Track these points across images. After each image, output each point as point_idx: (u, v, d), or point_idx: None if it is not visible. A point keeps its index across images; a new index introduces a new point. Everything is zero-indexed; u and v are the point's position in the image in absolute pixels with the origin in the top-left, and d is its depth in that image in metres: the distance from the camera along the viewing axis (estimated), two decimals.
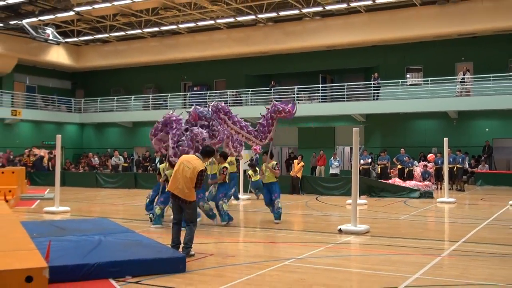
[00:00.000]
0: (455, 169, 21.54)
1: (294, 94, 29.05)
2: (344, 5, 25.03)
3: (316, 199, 18.28)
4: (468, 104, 24.82)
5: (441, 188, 20.64)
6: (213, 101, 29.71)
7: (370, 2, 24.50)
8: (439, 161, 21.51)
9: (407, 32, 26.07)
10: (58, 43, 30.97)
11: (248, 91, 30.24)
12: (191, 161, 7.96)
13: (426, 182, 21.14)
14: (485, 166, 23.80)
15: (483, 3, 24.09)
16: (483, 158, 24.19)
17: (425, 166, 22.87)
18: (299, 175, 20.23)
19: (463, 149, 23.50)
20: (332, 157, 24.57)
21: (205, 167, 8.12)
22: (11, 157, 27.19)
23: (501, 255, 8.36)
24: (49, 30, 28.35)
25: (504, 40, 25.56)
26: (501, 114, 24.93)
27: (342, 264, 7.60)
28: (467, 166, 23.12)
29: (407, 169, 22.78)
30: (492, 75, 24.40)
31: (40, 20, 27.17)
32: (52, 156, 26.64)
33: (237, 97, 30.76)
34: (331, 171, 24.20)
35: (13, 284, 4.73)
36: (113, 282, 6.26)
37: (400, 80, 27.21)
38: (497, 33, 25.28)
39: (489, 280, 6.63)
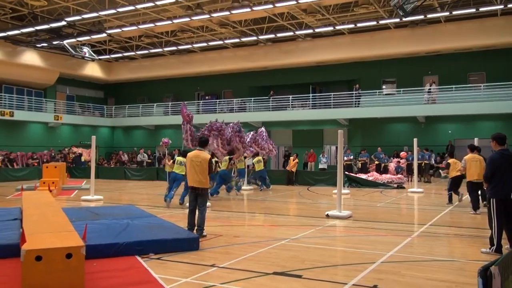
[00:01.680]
0: (423, 165, 21.61)
1: (289, 102, 29.13)
2: (331, 28, 25.08)
3: (308, 189, 18.31)
4: (434, 110, 24.88)
5: (411, 180, 20.65)
6: (221, 109, 30.00)
7: (352, 26, 24.55)
8: (410, 157, 21.57)
9: (383, 51, 26.14)
10: (93, 60, 31.05)
11: (251, 99, 30.29)
12: (198, 156, 8.03)
13: (399, 175, 21.15)
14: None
15: (446, 27, 24.20)
16: (446, 155, 24.15)
17: (398, 162, 22.92)
18: (294, 169, 20.28)
19: (429, 147, 23.58)
20: (321, 155, 24.60)
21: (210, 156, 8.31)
22: (53, 154, 27.30)
23: (461, 236, 8.40)
24: (86, 49, 28.42)
25: (464, 57, 25.62)
26: (461, 119, 24.99)
27: (329, 243, 7.64)
28: (433, 162, 23.10)
29: (383, 164, 22.84)
30: (454, 86, 24.48)
31: (78, 40, 27.21)
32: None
33: (241, 104, 30.81)
34: (320, 166, 24.25)
35: (56, 260, 4.73)
36: (138, 258, 6.32)
37: (377, 90, 27.26)
38: (458, 51, 25.36)
39: (450, 256, 6.68)
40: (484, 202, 11.23)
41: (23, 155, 26.29)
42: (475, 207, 11.15)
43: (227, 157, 15.23)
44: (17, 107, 29.05)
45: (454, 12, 21.97)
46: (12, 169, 23.68)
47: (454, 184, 12.98)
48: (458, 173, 12.69)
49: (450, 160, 13.51)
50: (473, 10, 21.41)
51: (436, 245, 7.46)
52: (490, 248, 6.75)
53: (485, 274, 2.91)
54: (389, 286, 5.15)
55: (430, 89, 25.39)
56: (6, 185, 19.85)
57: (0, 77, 28.61)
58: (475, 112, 23.51)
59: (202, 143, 8.45)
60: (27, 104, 29.87)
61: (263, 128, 19.32)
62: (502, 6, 20.91)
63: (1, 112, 27.24)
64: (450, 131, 25.63)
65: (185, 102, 32.21)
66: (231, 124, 16.12)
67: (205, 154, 8.13)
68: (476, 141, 16.39)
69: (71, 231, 5.78)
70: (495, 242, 6.67)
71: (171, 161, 13.58)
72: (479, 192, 11.36)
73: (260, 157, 17.88)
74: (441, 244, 7.59)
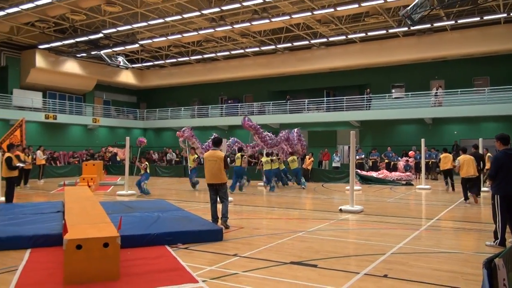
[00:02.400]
0: (430, 163, 21.25)
1: (304, 105, 29.01)
2: (343, 37, 24.90)
3: (322, 185, 18.20)
4: (440, 112, 24.46)
5: (419, 178, 20.34)
6: (243, 112, 30.01)
7: (363, 34, 24.32)
8: (418, 156, 21.24)
9: (392, 57, 25.84)
10: (127, 68, 31.40)
11: (270, 103, 30.26)
12: (213, 155, 8.09)
13: (408, 173, 20.86)
14: (454, 161, 23.35)
15: (452, 34, 23.78)
16: (452, 154, 23.74)
17: (407, 160, 22.58)
18: (309, 167, 20.15)
19: (436, 147, 23.18)
20: (334, 154, 24.44)
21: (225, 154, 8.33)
22: (92, 153, 27.71)
23: (466, 229, 8.25)
24: (120, 58, 28.76)
25: (468, 63, 25.14)
26: (466, 120, 24.53)
27: (342, 236, 7.58)
28: (437, 161, 22.70)
29: (393, 162, 22.56)
30: (459, 90, 24.06)
31: (113, 50, 27.57)
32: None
33: (261, 108, 30.80)
34: (334, 164, 24.08)
35: (95, 249, 4.80)
36: (168, 248, 6.36)
37: (387, 94, 26.95)
38: (463, 57, 24.90)
39: (456, 249, 6.55)
40: (473, 194, 12.18)
41: (65, 154, 26.76)
42: (466, 197, 12.26)
43: (239, 154, 15.51)
44: (60, 111, 29.60)
45: (459, 21, 21.58)
46: (55, 167, 24.14)
47: (445, 175, 15.56)
48: (450, 166, 14.76)
49: (442, 155, 15.60)
50: (478, 18, 21.00)
51: (443, 238, 7.34)
52: (494, 242, 6.63)
53: (489, 265, 2.85)
54: (398, 276, 5.08)
55: (436, 92, 25.00)
56: (50, 181, 20.24)
57: (45, 84, 29.19)
58: (480, 114, 23.08)
59: (216, 143, 8.46)
60: (68, 108, 30.40)
61: (296, 129, 19.62)
62: (505, 15, 20.48)
63: (46, 115, 27.81)
64: (455, 132, 25.18)
65: (210, 106, 32.78)
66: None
67: (220, 153, 8.17)
68: (480, 141, 16.13)
69: (107, 222, 5.85)
70: (499, 236, 6.56)
71: (145, 162, 14.25)
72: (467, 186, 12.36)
73: (294, 157, 17.66)
74: (448, 237, 7.45)
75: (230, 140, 18.79)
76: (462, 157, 12.20)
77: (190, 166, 16.51)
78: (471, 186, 12.20)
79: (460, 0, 16.98)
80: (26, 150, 18.22)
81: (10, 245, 6.31)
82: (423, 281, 4.90)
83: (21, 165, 11.57)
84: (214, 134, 18.45)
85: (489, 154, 15.24)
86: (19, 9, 20.22)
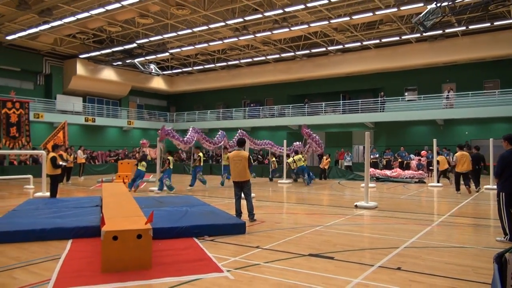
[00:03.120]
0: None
1: (322, 108, 28.82)
2: (358, 44, 24.61)
3: (339, 183, 18.03)
4: (452, 114, 23.93)
5: (431, 176, 19.92)
6: (264, 114, 29.86)
7: (378, 41, 23.99)
8: (430, 156, 20.78)
9: (405, 62, 25.42)
10: (158, 75, 31.82)
11: (289, 106, 30.18)
12: (238, 155, 8.12)
13: (420, 171, 20.44)
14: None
15: (463, 40, 23.23)
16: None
17: (419, 159, 22.14)
18: (326, 167, 19.91)
19: (448, 147, 22.67)
20: (346, 154, 24.15)
21: (249, 155, 8.28)
22: (126, 153, 28.14)
23: (477, 225, 8.03)
24: (152, 66, 29.16)
25: (479, 66, 24.49)
26: (477, 121, 23.91)
27: (358, 230, 7.49)
28: (451, 159, 22.17)
29: (406, 162, 22.15)
30: (470, 92, 23.49)
31: (146, 59, 27.97)
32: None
33: (281, 110, 30.74)
34: (345, 164, 23.78)
35: (129, 240, 4.85)
36: (195, 239, 6.40)
37: (400, 97, 26.54)
38: (473, 61, 24.29)
39: (467, 243, 6.38)
40: (466, 186, 13.14)
41: (102, 154, 27.23)
42: (457, 189, 13.43)
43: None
44: (98, 114, 30.21)
45: (470, 27, 21.05)
46: (94, 165, 24.62)
47: (442, 174, 16.76)
48: (446, 166, 16.61)
49: (439, 158, 16.77)
50: (488, 24, 20.47)
51: (454, 233, 7.16)
52: (504, 237, 6.45)
53: (500, 260, 2.77)
54: (411, 268, 4.99)
55: (448, 95, 24.46)
56: (89, 178, 20.66)
57: (84, 90, 29.85)
58: (490, 115, 22.48)
59: (241, 144, 8.49)
60: (105, 112, 30.99)
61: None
62: None
63: (86, 118, 28.43)
64: (466, 132, 24.56)
65: (234, 109, 32.89)
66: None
67: (244, 153, 8.21)
68: (491, 142, 15.73)
69: (141, 216, 5.92)
70: (507, 232, 6.40)
71: (168, 157, 14.31)
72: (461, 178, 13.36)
73: (300, 155, 17.68)
74: (459, 232, 7.27)
75: (219, 133, 18.74)
76: (459, 154, 13.08)
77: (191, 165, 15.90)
78: (464, 179, 13.23)
79: (471, 7, 16.56)
80: (68, 150, 18.66)
81: (54, 235, 6.45)
82: (435, 274, 4.80)
83: (64, 163, 11.79)
84: (240, 131, 18.74)
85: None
86: (62, 22, 20.74)
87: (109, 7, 18.59)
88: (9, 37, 22.93)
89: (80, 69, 28.18)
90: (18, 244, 6.14)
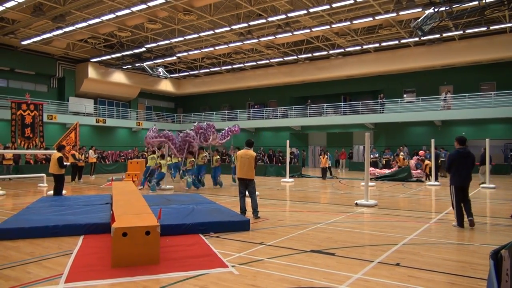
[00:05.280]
0: (439, 162, 20.63)
1: (323, 109, 28.76)
2: (359, 47, 24.55)
3: (340, 182, 17.98)
4: (449, 115, 23.82)
5: (430, 175, 19.82)
6: (268, 115, 29.87)
7: (377, 45, 23.92)
8: (428, 156, 20.66)
9: (404, 65, 25.31)
10: (166, 78, 31.91)
11: (292, 107, 30.15)
12: (246, 153, 8.10)
13: (418, 171, 20.32)
14: None
15: (460, 43, 23.12)
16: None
17: (418, 159, 21.99)
18: (326, 165, 19.46)
19: (445, 147, 22.55)
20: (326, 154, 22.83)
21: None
22: (136, 153, 28.17)
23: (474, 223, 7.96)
24: (160, 69, 29.25)
25: (476, 69, 24.36)
26: (473, 122, 23.77)
27: (358, 227, 7.46)
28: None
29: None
30: (467, 94, 23.37)
31: (154, 62, 28.06)
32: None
33: (284, 112, 30.72)
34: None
35: (138, 236, 4.87)
36: (201, 236, 6.39)
37: (399, 99, 26.42)
38: (470, 64, 24.15)
39: (465, 241, 6.34)
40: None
41: (113, 153, 27.31)
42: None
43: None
44: (109, 115, 30.33)
45: (467, 31, 20.93)
46: (104, 164, 24.70)
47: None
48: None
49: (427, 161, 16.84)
50: (485, 28, 20.35)
51: (452, 231, 7.11)
52: (457, 223, 7.33)
53: (496, 256, 2.75)
54: (410, 264, 4.96)
55: (445, 97, 24.34)
56: (100, 176, 20.72)
57: (96, 92, 29.97)
58: (486, 116, 22.36)
59: (249, 144, 8.48)
60: (116, 113, 31.11)
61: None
62: (511, 24, 19.79)
63: (97, 119, 28.55)
64: (463, 133, 24.41)
65: (238, 110, 32.90)
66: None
67: (252, 152, 8.18)
68: (487, 142, 15.63)
69: (149, 213, 5.91)
70: (456, 218, 7.33)
71: (191, 158, 14.43)
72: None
73: (217, 157, 15.74)
74: (457, 230, 7.21)
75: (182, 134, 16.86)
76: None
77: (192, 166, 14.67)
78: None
79: (468, 11, 16.46)
80: (80, 150, 18.75)
81: (66, 231, 6.48)
82: (433, 269, 4.77)
83: (68, 163, 11.67)
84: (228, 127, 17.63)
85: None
86: (74, 28, 20.84)
87: (119, 13, 18.65)
88: (24, 42, 23.07)
89: (91, 73, 28.29)
90: (32, 239, 6.18)
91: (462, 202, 7.32)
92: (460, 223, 7.24)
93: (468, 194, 7.47)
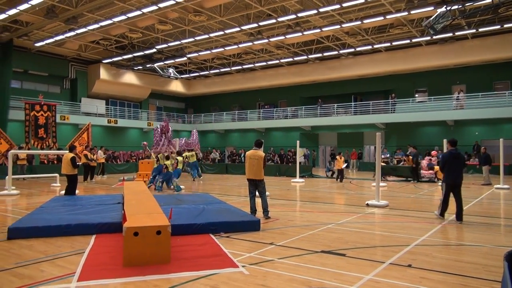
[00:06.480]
0: (465, 164, 20.38)
1: (334, 109, 28.62)
2: (369, 47, 24.35)
3: (350, 182, 17.87)
4: (462, 114, 23.49)
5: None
6: (278, 116, 29.77)
7: (388, 44, 23.69)
8: (440, 156, 20.41)
9: (416, 64, 25.03)
10: (176, 78, 32.05)
11: (303, 108, 30.06)
12: (255, 154, 8.10)
13: (430, 171, 20.10)
14: (475, 159, 22.38)
15: (473, 42, 22.79)
16: (473, 154, 22.80)
17: (430, 159, 21.74)
18: (343, 166, 18.38)
19: (458, 147, 22.23)
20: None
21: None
22: (147, 153, 28.30)
23: (487, 224, 7.85)
24: (171, 70, 29.38)
25: (488, 68, 23.98)
26: (487, 122, 23.41)
27: (369, 228, 7.41)
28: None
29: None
30: (480, 93, 23.02)
31: (165, 63, 28.21)
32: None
33: (294, 112, 30.64)
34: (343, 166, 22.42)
35: (149, 235, 4.90)
36: (212, 236, 6.42)
37: (410, 98, 26.15)
38: (483, 63, 23.77)
39: (477, 242, 6.25)
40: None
41: (124, 153, 27.50)
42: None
43: (179, 157, 14.75)
44: (120, 116, 30.60)
45: (481, 29, 20.62)
46: (116, 164, 24.92)
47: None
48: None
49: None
50: (498, 26, 20.01)
51: (465, 232, 7.01)
52: (438, 212, 8.30)
53: (510, 258, 2.70)
54: (421, 266, 4.91)
55: (458, 96, 24.01)
56: (111, 176, 20.93)
57: (107, 93, 30.27)
58: (500, 116, 21.97)
59: (258, 144, 8.47)
60: (127, 114, 31.38)
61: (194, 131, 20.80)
62: None
63: (108, 120, 28.83)
64: (476, 133, 24.09)
65: (249, 110, 32.93)
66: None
67: (261, 153, 8.16)
68: (501, 142, 15.36)
69: (160, 213, 5.95)
70: (440, 209, 8.26)
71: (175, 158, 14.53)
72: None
73: (193, 152, 18.63)
74: (470, 230, 7.12)
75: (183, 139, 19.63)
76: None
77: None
78: None
79: (481, 10, 16.23)
80: (92, 150, 18.95)
81: (79, 231, 6.56)
82: (446, 271, 4.71)
83: (80, 163, 11.75)
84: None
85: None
86: (86, 30, 21.09)
87: (130, 15, 18.82)
88: (38, 44, 23.42)
89: (103, 74, 28.59)
90: (45, 238, 6.27)
91: (454, 198, 8.12)
92: (442, 214, 8.23)
93: (460, 193, 8.10)
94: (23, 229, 6.44)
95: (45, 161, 22.15)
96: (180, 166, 14.38)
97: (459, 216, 7.90)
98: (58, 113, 23.47)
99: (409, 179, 18.21)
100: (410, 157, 20.60)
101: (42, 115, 21.27)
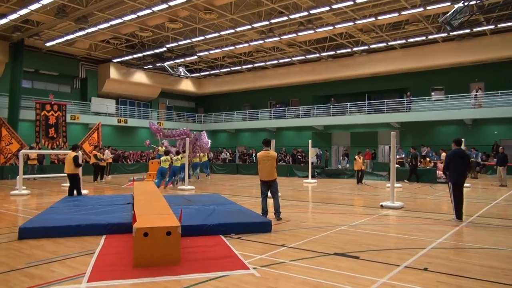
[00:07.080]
0: (470, 162, 20.08)
1: (347, 108, 28.44)
2: (384, 44, 24.13)
3: (364, 183, 17.72)
4: (480, 113, 23.10)
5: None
6: (290, 115, 29.67)
7: (404, 41, 23.45)
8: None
9: (432, 62, 24.72)
10: (186, 77, 32.24)
11: (315, 106, 29.93)
12: (267, 155, 8.11)
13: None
14: (493, 160, 22.01)
15: (492, 38, 22.41)
16: (492, 154, 22.41)
17: None
18: (363, 167, 17.84)
19: (476, 147, 21.93)
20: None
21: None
22: (156, 153, 28.50)
23: (507, 226, 7.71)
24: (181, 69, 29.55)
25: (508, 65, 23.48)
26: (506, 121, 22.97)
27: (383, 230, 7.34)
28: (480, 160, 21.45)
29: (433, 162, 21.50)
30: (499, 91, 22.61)
31: (175, 62, 28.37)
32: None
33: (307, 111, 30.52)
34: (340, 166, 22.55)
35: (159, 236, 4.93)
36: (222, 237, 6.43)
37: (426, 97, 25.85)
38: (502, 60, 23.32)
39: (497, 245, 6.14)
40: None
41: (134, 153, 27.77)
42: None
43: (179, 156, 15.74)
44: (130, 115, 30.86)
45: (500, 25, 20.26)
46: (126, 164, 25.17)
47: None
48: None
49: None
50: None
51: (483, 235, 6.90)
52: (455, 217, 8.15)
53: None
54: (438, 269, 4.84)
55: (476, 94, 23.62)
56: (121, 176, 21.13)
57: (117, 92, 30.57)
58: None
59: (267, 143, 8.44)
60: (137, 113, 31.62)
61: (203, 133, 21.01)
62: None
63: (118, 119, 29.11)
64: (495, 132, 23.67)
65: (260, 110, 32.93)
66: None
67: (273, 153, 8.16)
68: None
69: (170, 213, 5.99)
70: (454, 212, 8.19)
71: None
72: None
73: (180, 156, 17.75)
74: (488, 233, 7.00)
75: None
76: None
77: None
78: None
79: (500, 5, 15.95)
80: (101, 150, 19.16)
81: (89, 231, 6.64)
82: (463, 275, 4.64)
83: (82, 164, 11.78)
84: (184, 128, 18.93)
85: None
86: (97, 29, 21.32)
87: (140, 13, 18.97)
88: (48, 44, 23.77)
89: (113, 73, 28.88)
90: (55, 239, 6.36)
91: (460, 198, 8.17)
92: (459, 216, 8.11)
93: (463, 192, 8.26)
94: (34, 229, 6.55)
95: (56, 161, 22.48)
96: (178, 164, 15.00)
97: (458, 214, 8.14)
98: (68, 113, 23.81)
99: (405, 180, 17.80)
100: (427, 158, 20.40)
101: (52, 114, 21.60)
